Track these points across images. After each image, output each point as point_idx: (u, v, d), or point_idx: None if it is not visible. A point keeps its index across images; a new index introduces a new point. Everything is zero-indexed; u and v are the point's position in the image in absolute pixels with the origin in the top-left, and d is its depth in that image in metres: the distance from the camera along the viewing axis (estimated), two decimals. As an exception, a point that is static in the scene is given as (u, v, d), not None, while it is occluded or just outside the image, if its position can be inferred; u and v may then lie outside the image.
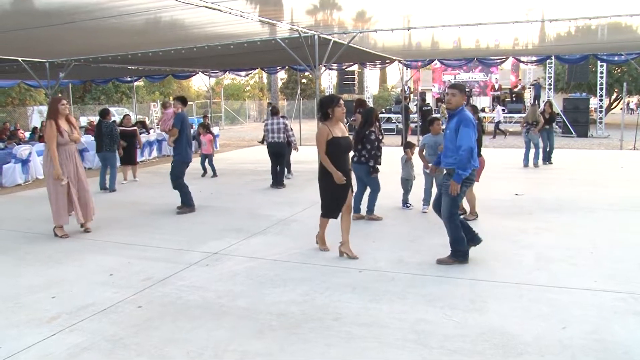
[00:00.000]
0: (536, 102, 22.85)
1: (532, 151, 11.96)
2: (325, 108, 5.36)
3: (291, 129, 10.52)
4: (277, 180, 10.00)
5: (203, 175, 11.71)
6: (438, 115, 17.75)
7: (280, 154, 10.01)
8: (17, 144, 12.78)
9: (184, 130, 7.80)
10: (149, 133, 16.71)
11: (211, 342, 3.62)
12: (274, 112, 10.35)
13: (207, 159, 11.85)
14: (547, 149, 12.34)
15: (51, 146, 6.40)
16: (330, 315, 4.00)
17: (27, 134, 18.74)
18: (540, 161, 12.09)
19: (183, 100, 8.22)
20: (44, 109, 29.71)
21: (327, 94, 25.77)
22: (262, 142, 10.32)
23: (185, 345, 3.59)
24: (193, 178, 10.29)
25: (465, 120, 5.00)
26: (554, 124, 12.54)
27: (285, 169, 10.77)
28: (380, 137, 7.11)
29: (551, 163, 12.31)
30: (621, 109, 22.72)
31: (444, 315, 3.94)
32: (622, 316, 3.84)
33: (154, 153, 16.53)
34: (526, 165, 11.97)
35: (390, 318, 3.91)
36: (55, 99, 6.79)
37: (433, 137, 7.19)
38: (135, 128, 11.79)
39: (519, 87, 25.88)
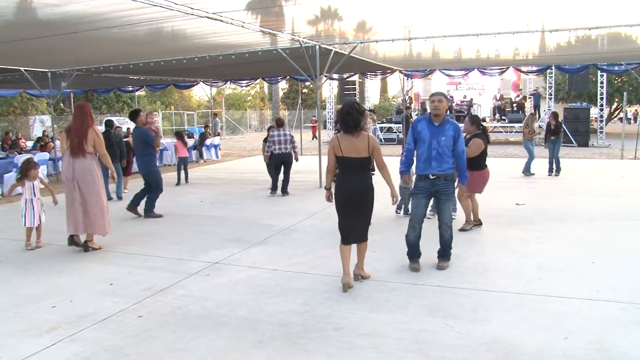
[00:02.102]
0: (536, 111, 22.92)
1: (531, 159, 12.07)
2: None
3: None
4: (283, 189, 10.08)
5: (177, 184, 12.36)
6: None
7: (287, 164, 10.10)
8: (19, 153, 12.81)
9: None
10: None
11: (211, 352, 3.60)
12: (279, 123, 10.36)
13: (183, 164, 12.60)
14: (553, 160, 12.21)
15: (104, 151, 6.37)
16: (331, 325, 3.99)
17: (30, 144, 18.82)
18: (530, 170, 12.14)
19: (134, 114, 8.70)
20: (46, 118, 29.87)
21: (327, 104, 25.91)
22: (269, 156, 10.22)
23: (186, 355, 3.58)
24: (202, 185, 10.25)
25: (460, 128, 5.37)
26: (560, 135, 12.29)
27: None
28: None
29: (557, 175, 12.07)
30: (620, 118, 22.75)
31: (445, 325, 3.93)
32: (625, 326, 3.82)
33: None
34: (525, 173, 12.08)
35: (391, 328, 3.90)
36: (85, 106, 6.48)
37: None
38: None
39: (520, 96, 25.95)
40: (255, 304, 4.47)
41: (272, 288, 4.86)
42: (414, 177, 5.74)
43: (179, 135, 13.41)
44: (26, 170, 6.77)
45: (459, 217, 7.32)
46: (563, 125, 20.60)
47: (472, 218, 6.99)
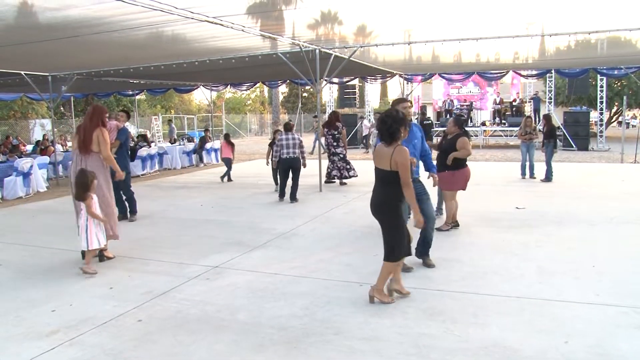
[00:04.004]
0: (536, 115, 22.96)
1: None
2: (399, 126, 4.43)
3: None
4: (292, 195, 9.89)
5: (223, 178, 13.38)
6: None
7: (295, 168, 9.90)
8: (19, 157, 12.82)
9: (126, 143, 8.46)
10: (150, 146, 16.77)
11: (211, 356, 3.60)
12: (288, 127, 10.24)
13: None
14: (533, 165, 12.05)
15: (106, 153, 6.23)
16: (331, 329, 3.98)
17: (29, 147, 18.83)
18: (524, 173, 12.15)
19: (128, 115, 8.96)
20: (46, 122, 29.91)
21: (327, 108, 25.93)
22: (277, 161, 10.17)
23: (185, 359, 3.57)
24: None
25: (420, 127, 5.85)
26: (555, 139, 12.04)
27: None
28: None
29: (534, 178, 11.96)
30: (619, 122, 22.78)
31: (445, 329, 3.92)
32: (625, 330, 3.81)
33: (156, 166, 16.58)
34: (523, 175, 12.14)
35: (391, 332, 3.89)
36: (98, 107, 6.41)
37: None
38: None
39: (519, 100, 25.99)
40: (255, 308, 4.46)
41: (272, 292, 4.86)
42: None
43: (226, 137, 13.98)
44: (91, 182, 5.78)
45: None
46: (563, 129, 20.73)
47: (451, 219, 7.13)
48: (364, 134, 23.09)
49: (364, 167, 12.34)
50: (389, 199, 4.44)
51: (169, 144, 19.13)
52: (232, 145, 13.43)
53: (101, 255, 6.07)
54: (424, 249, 5.56)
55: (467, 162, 7.23)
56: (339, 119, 11.86)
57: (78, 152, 6.20)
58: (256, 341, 3.81)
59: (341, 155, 11.72)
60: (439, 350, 3.58)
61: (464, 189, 7.17)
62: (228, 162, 13.37)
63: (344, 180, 11.78)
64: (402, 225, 4.51)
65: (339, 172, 11.71)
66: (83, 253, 6.16)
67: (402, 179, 4.33)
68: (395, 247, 4.45)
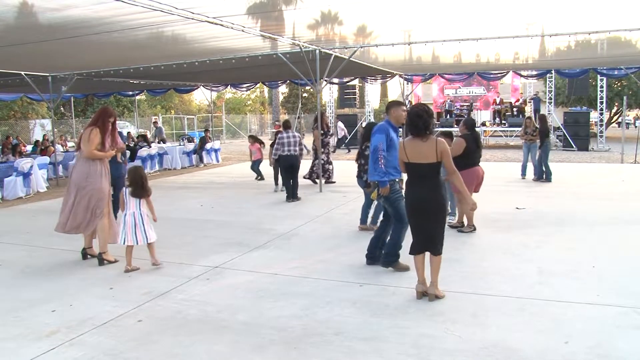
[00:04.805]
0: (536, 116, 22.94)
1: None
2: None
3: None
4: (293, 194, 9.93)
5: (258, 178, 13.10)
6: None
7: (295, 166, 9.96)
8: (19, 157, 12.82)
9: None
10: (150, 147, 16.77)
11: (211, 357, 3.59)
12: (287, 125, 10.35)
13: (258, 164, 13.28)
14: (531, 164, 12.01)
15: (87, 150, 5.88)
16: (331, 329, 3.98)
17: (29, 147, 18.82)
18: (524, 173, 12.12)
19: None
20: (46, 122, 29.93)
21: (328, 108, 25.93)
22: (276, 159, 10.26)
23: (185, 359, 3.57)
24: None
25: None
26: (546, 138, 11.66)
27: (279, 183, 10.94)
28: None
29: (524, 178, 12.00)
30: (618, 122, 22.76)
31: (445, 329, 3.92)
32: (625, 330, 3.81)
33: (156, 166, 16.58)
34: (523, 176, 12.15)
35: (392, 332, 3.89)
36: (108, 111, 6.23)
37: None
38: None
39: (520, 101, 25.99)
40: (255, 309, 4.46)
41: (272, 292, 4.85)
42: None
43: (255, 138, 13.97)
44: (145, 179, 5.76)
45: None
46: (563, 129, 20.72)
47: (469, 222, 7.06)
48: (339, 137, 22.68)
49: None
50: (439, 190, 4.49)
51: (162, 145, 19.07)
52: (262, 143, 13.51)
53: (100, 259, 5.97)
54: (395, 253, 5.37)
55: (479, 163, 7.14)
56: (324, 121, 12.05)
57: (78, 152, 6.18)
58: (256, 342, 3.80)
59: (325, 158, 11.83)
60: (439, 350, 3.58)
61: (475, 192, 7.02)
62: (258, 163, 13.32)
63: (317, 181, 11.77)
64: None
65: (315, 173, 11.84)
66: (84, 253, 6.19)
67: (448, 167, 4.46)
68: (443, 238, 4.57)
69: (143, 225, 5.68)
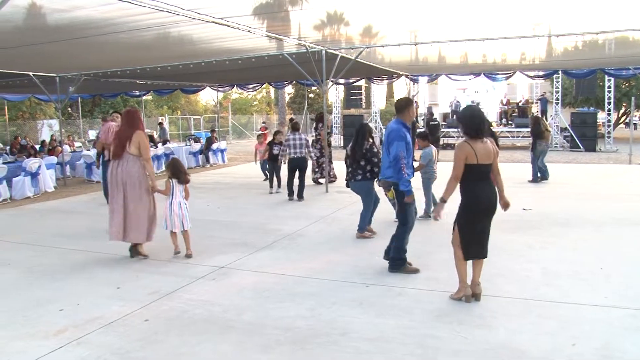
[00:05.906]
0: (543, 117, 22.82)
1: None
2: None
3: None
4: (299, 194, 10.00)
5: (266, 179, 12.29)
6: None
7: (302, 168, 10.01)
8: (27, 157, 12.90)
9: None
10: (156, 147, 16.82)
11: (217, 357, 3.61)
12: (295, 127, 10.38)
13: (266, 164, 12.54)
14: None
15: (147, 156, 6.09)
16: (337, 330, 3.98)
17: (37, 147, 18.92)
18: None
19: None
20: (54, 122, 30.07)
21: (334, 109, 25.92)
22: (273, 162, 10.33)
23: (191, 359, 3.58)
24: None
25: None
26: (540, 140, 11.44)
27: (274, 185, 11.09)
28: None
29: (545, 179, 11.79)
30: (626, 123, 22.60)
31: (452, 330, 3.91)
32: (633, 332, 3.79)
33: (162, 166, 16.61)
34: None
35: (397, 333, 3.89)
36: (136, 111, 6.45)
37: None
38: None
39: (522, 101, 25.86)
40: (261, 309, 4.47)
41: (278, 293, 4.86)
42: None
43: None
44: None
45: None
46: (570, 130, 20.61)
47: None
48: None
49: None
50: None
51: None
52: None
53: (133, 251, 6.15)
54: (400, 257, 5.36)
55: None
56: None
57: (113, 159, 6.14)
58: (262, 342, 3.81)
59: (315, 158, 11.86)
60: (445, 351, 3.57)
61: None
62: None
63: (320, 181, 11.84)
64: None
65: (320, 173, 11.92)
66: (131, 249, 6.21)
67: (496, 167, 4.52)
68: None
69: (187, 213, 6.20)
